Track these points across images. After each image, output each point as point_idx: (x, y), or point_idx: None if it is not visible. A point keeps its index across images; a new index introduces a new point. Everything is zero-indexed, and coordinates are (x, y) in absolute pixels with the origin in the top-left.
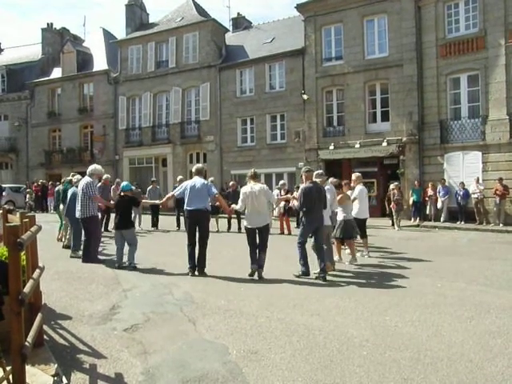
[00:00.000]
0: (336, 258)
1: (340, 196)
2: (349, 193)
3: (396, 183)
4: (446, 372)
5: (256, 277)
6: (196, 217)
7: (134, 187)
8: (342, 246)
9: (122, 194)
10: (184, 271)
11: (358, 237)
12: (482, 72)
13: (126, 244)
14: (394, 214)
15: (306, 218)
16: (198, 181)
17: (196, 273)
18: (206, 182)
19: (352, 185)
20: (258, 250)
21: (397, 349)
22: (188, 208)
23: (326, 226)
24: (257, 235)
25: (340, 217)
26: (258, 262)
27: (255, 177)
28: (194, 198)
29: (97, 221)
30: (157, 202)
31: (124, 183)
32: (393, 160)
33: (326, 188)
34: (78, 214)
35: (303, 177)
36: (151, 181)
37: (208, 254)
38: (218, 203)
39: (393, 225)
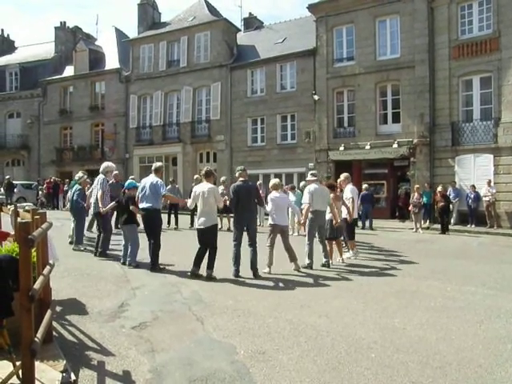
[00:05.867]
0: (338, 259)
1: (332, 197)
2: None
3: (417, 186)
4: (454, 376)
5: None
6: (145, 215)
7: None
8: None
9: (125, 191)
10: (188, 269)
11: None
12: (494, 74)
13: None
14: (413, 216)
15: (236, 217)
16: (148, 180)
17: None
18: (155, 181)
19: (342, 186)
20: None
21: (405, 352)
22: (140, 206)
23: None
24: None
25: (327, 217)
26: (207, 265)
27: (207, 176)
28: (143, 197)
29: (108, 217)
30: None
31: (128, 181)
32: (403, 162)
33: (313, 185)
34: (92, 210)
35: (236, 175)
36: (170, 181)
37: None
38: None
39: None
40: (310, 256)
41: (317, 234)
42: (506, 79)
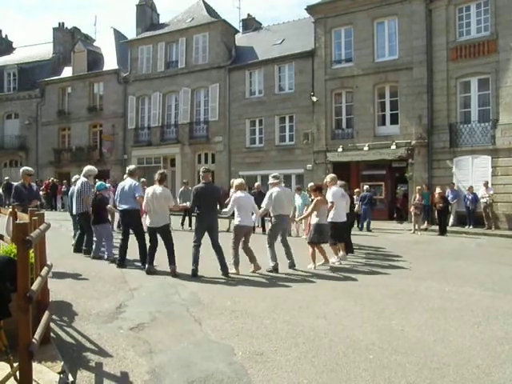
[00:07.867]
0: (322, 261)
1: (316, 200)
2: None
3: (418, 187)
4: (452, 377)
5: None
6: (125, 216)
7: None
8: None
9: (96, 193)
10: (189, 272)
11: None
12: (492, 76)
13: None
14: (413, 218)
15: (197, 218)
16: (127, 183)
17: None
18: (133, 183)
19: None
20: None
21: (403, 353)
22: (119, 208)
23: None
24: (157, 235)
25: (314, 221)
26: (169, 261)
27: (162, 180)
28: (122, 199)
29: (89, 217)
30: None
31: (98, 183)
32: (401, 163)
33: (275, 189)
34: (74, 211)
35: (201, 175)
36: (182, 182)
37: (212, 255)
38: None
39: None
40: (274, 258)
41: (280, 237)
42: (503, 81)
